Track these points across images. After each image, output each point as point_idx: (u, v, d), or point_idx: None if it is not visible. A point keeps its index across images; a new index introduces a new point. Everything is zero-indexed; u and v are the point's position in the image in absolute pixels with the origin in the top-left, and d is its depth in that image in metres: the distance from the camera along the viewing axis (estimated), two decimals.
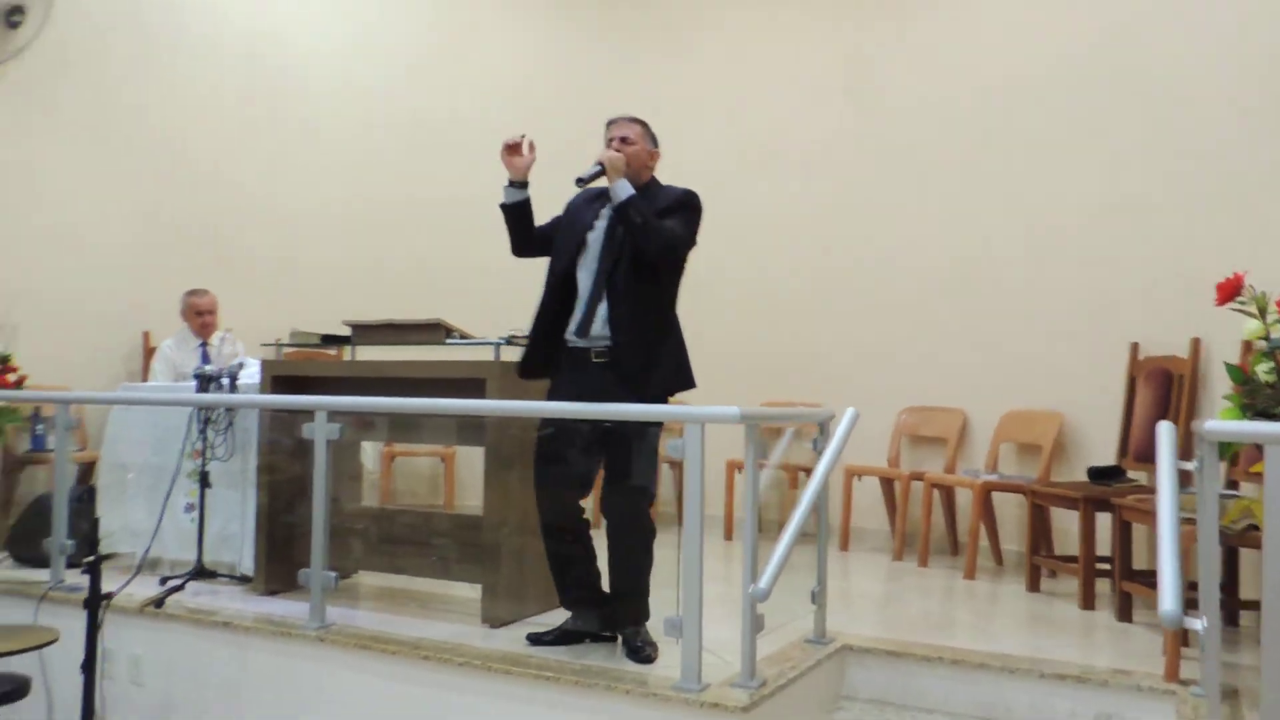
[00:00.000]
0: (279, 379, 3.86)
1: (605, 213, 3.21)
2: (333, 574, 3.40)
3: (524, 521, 3.42)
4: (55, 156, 5.48)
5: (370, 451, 4.42)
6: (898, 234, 5.94)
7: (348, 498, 4.08)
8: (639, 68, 6.85)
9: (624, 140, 3.23)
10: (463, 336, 3.62)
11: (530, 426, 3.36)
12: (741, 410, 2.71)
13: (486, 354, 3.49)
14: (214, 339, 4.93)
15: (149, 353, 5.64)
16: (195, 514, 4.04)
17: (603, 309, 3.12)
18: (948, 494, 5.36)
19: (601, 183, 3.17)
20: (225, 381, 3.92)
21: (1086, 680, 3.01)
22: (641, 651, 3.03)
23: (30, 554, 4.31)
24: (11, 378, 4.85)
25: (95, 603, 3.04)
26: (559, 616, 3.33)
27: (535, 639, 3.19)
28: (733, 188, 6.34)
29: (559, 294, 3.22)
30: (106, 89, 5.70)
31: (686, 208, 3.20)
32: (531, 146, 3.30)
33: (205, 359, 5.10)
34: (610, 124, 3.30)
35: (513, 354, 3.48)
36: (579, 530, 3.25)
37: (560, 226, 3.33)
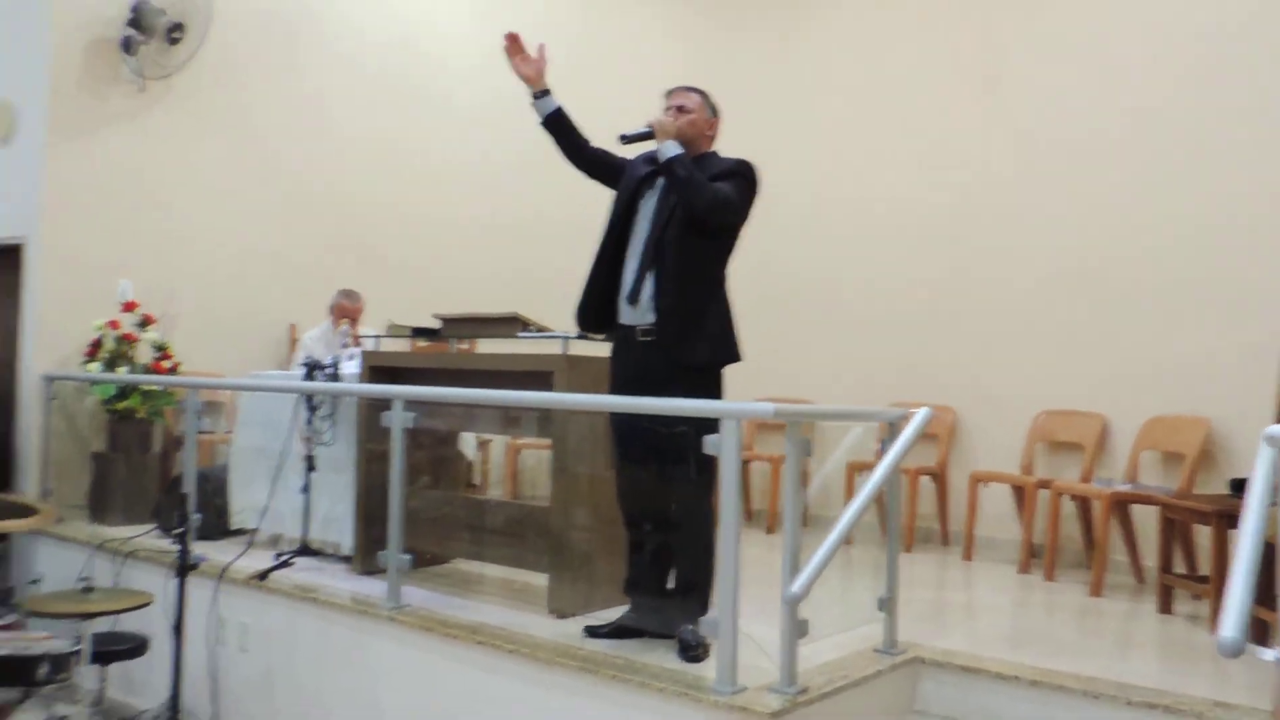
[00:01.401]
0: (376, 369, 4.04)
1: (661, 182, 3.19)
2: (408, 556, 3.53)
3: (593, 514, 3.45)
4: (212, 160, 5.95)
5: (472, 441, 4.55)
6: (1032, 229, 5.61)
7: (445, 485, 4.24)
8: (760, 59, 6.79)
9: (680, 109, 3.21)
10: (539, 330, 3.68)
11: (596, 420, 3.38)
12: (776, 407, 2.63)
13: (559, 347, 3.52)
14: (339, 329, 5.21)
15: (294, 343, 6.04)
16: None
17: (650, 275, 3.11)
18: (1084, 504, 5.00)
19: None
20: (329, 370, 4.14)
21: (1178, 711, 2.74)
22: (691, 650, 2.98)
23: (171, 525, 4.69)
24: (166, 365, 5.32)
25: (184, 571, 3.28)
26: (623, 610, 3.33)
27: (591, 631, 3.21)
28: (858, 181, 6.16)
29: (610, 253, 3.22)
30: (257, 98, 6.14)
31: (738, 175, 3.15)
32: (540, 49, 3.29)
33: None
34: (669, 93, 3.29)
35: (582, 349, 3.52)
36: (652, 520, 3.24)
37: (621, 179, 3.32)
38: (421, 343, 5.11)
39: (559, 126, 3.34)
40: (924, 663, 3.17)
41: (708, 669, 2.86)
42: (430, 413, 3.91)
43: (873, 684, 2.96)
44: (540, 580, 3.70)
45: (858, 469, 5.53)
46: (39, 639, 3.61)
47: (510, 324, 3.69)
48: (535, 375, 3.48)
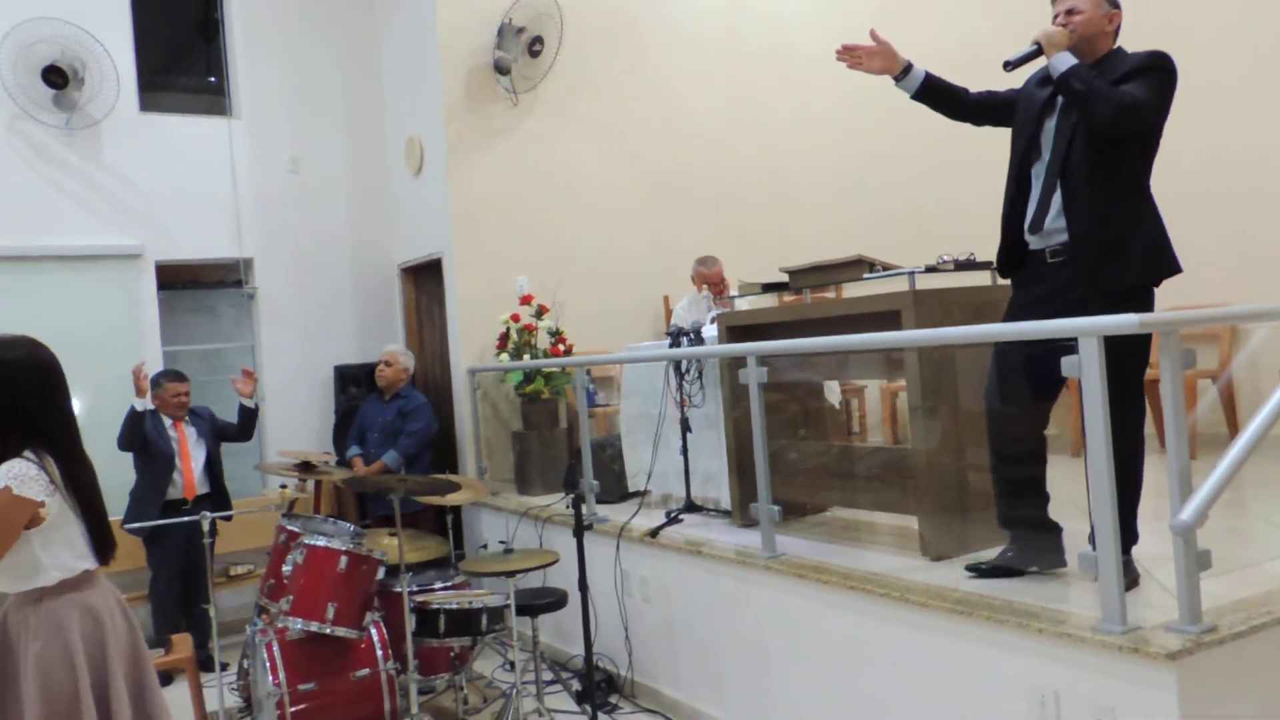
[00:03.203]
0: (732, 329, 4.16)
1: (1060, 101, 2.90)
2: (776, 507, 3.60)
3: (958, 453, 3.29)
4: (581, 154, 6.47)
5: (835, 389, 4.52)
6: None
7: (814, 435, 4.26)
8: None
9: (1069, 13, 2.88)
10: (885, 268, 3.56)
11: (954, 355, 3.21)
12: (1141, 317, 2.32)
13: (903, 285, 3.38)
14: (701, 294, 5.43)
15: (669, 314, 6.40)
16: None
17: (1057, 200, 2.85)
18: None
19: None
20: (691, 336, 4.33)
21: None
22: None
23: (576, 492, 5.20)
24: (562, 348, 5.89)
25: (580, 532, 3.62)
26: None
27: (973, 569, 3.06)
28: None
29: (1016, 187, 3.01)
30: (611, 90, 6.56)
31: (1150, 69, 2.76)
32: (872, 34, 3.11)
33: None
34: None
35: (931, 281, 3.35)
36: (1033, 450, 3.03)
37: (1017, 111, 3.08)
38: (787, 296, 5.19)
39: (932, 94, 3.16)
40: None
41: (1093, 607, 2.61)
42: (796, 365, 3.95)
43: None
44: (915, 524, 3.60)
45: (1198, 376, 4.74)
46: (479, 595, 4.20)
47: (856, 267, 3.61)
48: (884, 315, 3.38)
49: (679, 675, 4.12)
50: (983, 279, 3.53)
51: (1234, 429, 5.12)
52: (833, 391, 4.48)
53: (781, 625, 3.49)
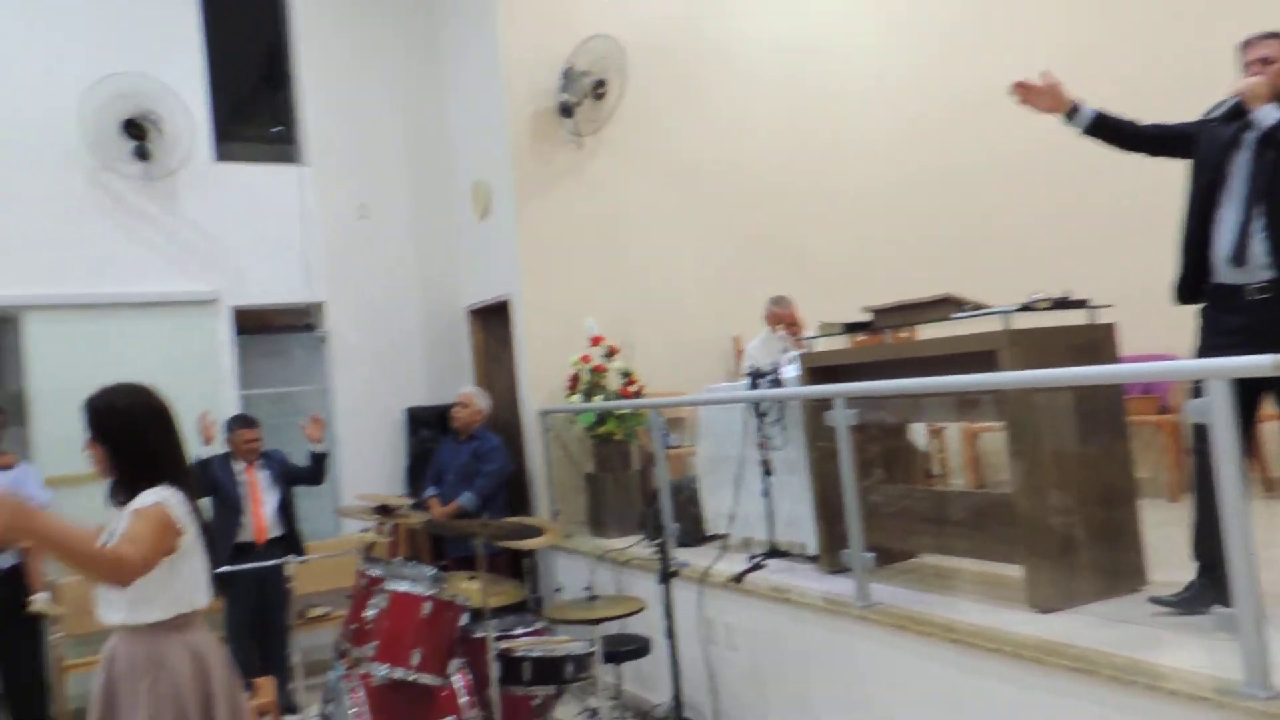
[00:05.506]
0: (815, 370, 4.09)
1: (1249, 138, 2.90)
2: (870, 554, 3.50)
3: (1065, 498, 3.18)
4: (646, 194, 6.47)
5: (920, 431, 4.42)
6: None
7: (900, 477, 4.16)
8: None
9: (1264, 61, 2.90)
10: (975, 308, 3.47)
11: (1055, 395, 3.12)
12: (1274, 358, 2.21)
13: (996, 324, 3.29)
14: (775, 335, 5.36)
15: (740, 354, 6.33)
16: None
17: (1260, 233, 2.83)
18: None
19: None
20: (770, 377, 4.26)
21: None
22: None
23: (652, 536, 5.13)
24: (632, 389, 5.85)
25: (666, 578, 3.55)
26: (1118, 606, 3.07)
27: (1157, 600, 3.00)
28: None
29: (1200, 217, 3.00)
30: (674, 131, 6.57)
31: None
32: (1042, 75, 3.17)
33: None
34: (1244, 45, 2.98)
35: (1027, 320, 3.26)
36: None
37: (1197, 144, 3.06)
38: (860, 336, 5.10)
39: (1103, 129, 3.20)
40: None
41: (1228, 667, 2.48)
42: (876, 406, 3.86)
43: None
44: (1015, 572, 3.47)
45: None
46: (561, 642, 4.14)
47: (943, 306, 3.53)
48: (977, 356, 3.29)
49: None
50: (1078, 318, 3.43)
51: None
52: (918, 433, 4.37)
53: (879, 678, 3.37)
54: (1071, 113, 3.19)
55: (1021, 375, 3.05)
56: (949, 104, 6.84)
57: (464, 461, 5.74)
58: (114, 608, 2.45)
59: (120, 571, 2.25)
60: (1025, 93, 3.24)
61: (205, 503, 5.29)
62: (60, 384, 5.59)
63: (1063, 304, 3.39)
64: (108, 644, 2.53)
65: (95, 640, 4.00)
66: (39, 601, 5.00)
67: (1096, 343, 3.36)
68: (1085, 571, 3.22)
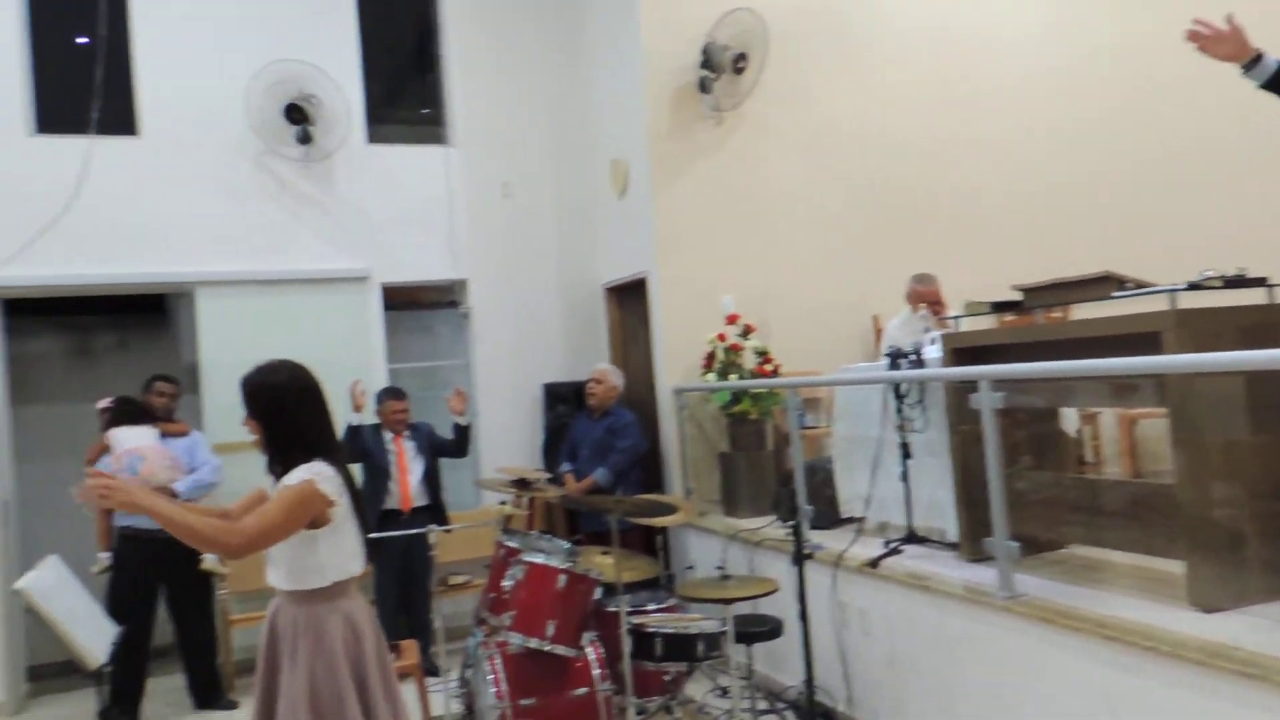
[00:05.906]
0: (959, 351, 3.93)
1: None
2: (1015, 544, 3.36)
3: (1234, 490, 2.96)
4: (786, 172, 6.36)
5: (1072, 416, 4.20)
6: None
7: (1049, 465, 3.97)
8: None
9: None
10: (1138, 286, 3.26)
11: (1227, 380, 2.90)
12: None
13: (1161, 304, 3.09)
14: (918, 314, 5.19)
15: (879, 334, 6.17)
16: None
17: None
18: None
19: None
20: (911, 357, 4.12)
21: None
22: None
23: (786, 516, 5.07)
24: (768, 368, 5.78)
25: (800, 560, 3.50)
26: None
27: None
28: None
29: None
30: (815, 105, 6.42)
31: None
32: (1228, 19, 2.89)
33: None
34: None
35: (1195, 300, 3.05)
36: None
37: None
38: (1008, 317, 4.89)
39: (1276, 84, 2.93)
40: None
41: None
42: (1024, 389, 3.69)
43: None
44: (1175, 568, 3.26)
45: None
46: (693, 620, 4.15)
47: (1102, 284, 3.33)
48: (1138, 338, 3.09)
49: (905, 714, 3.92)
50: (1255, 297, 3.18)
51: None
52: (1069, 419, 4.16)
53: (1023, 673, 3.24)
54: (1253, 63, 2.90)
55: (1194, 358, 2.83)
56: (1115, 99, 6.55)
57: (598, 437, 5.82)
58: (279, 573, 2.61)
59: (227, 547, 2.42)
60: (1204, 38, 2.95)
61: (355, 469, 5.58)
62: (228, 356, 5.94)
63: (1237, 282, 3.15)
64: (272, 603, 2.69)
65: (260, 597, 4.28)
66: (209, 561, 5.36)
67: (1270, 324, 3.11)
68: (1255, 569, 2.99)
